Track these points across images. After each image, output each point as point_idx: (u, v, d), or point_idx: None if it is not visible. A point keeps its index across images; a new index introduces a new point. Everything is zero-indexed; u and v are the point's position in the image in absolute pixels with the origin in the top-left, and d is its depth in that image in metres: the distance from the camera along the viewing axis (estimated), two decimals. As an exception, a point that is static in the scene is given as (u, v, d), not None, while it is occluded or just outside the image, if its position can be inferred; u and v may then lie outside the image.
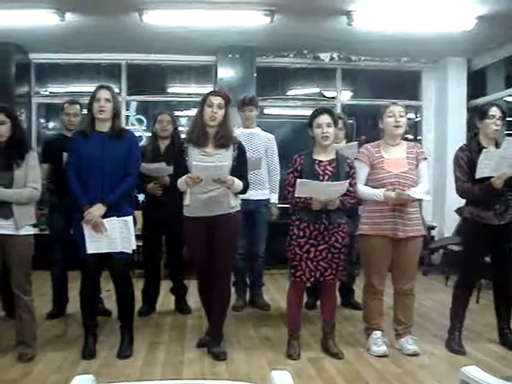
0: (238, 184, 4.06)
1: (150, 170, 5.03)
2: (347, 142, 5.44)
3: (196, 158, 4.02)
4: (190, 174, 3.94)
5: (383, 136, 4.32)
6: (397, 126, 4.21)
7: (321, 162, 4.12)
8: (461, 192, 4.37)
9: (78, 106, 5.11)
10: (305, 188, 3.89)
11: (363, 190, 4.22)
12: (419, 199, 4.24)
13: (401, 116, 4.21)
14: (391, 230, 4.13)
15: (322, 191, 3.92)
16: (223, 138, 4.11)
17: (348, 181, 3.99)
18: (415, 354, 4.20)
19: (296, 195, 3.96)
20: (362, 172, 4.25)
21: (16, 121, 4.07)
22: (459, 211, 4.77)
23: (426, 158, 4.33)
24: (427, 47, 7.57)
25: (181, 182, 4.03)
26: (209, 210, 4.10)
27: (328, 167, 4.10)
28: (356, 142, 5.05)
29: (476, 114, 4.39)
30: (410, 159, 4.23)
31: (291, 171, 4.15)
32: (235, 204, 4.19)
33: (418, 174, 4.23)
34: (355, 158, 4.34)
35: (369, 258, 4.26)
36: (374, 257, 4.20)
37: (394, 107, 4.23)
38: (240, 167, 4.14)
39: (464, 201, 4.46)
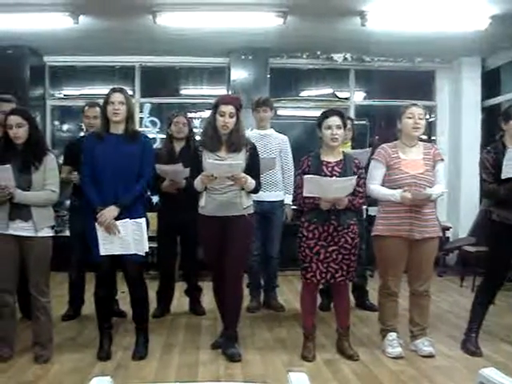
0: (251, 182, 4.09)
1: (167, 171, 5.04)
2: (352, 144, 5.42)
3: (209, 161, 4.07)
4: (204, 172, 4.00)
5: (400, 136, 4.31)
6: (415, 128, 4.19)
7: (328, 163, 4.13)
8: (487, 193, 4.34)
9: (97, 109, 5.11)
10: (312, 185, 3.89)
11: (379, 190, 4.21)
12: (437, 196, 4.21)
13: (420, 118, 4.19)
14: (407, 231, 4.11)
15: (330, 188, 3.91)
16: (235, 144, 4.16)
17: (355, 177, 3.99)
18: (431, 356, 4.18)
19: (304, 194, 3.96)
20: (379, 172, 4.24)
21: (33, 123, 4.08)
22: (487, 213, 4.72)
23: (442, 160, 4.30)
24: (441, 47, 7.53)
25: (197, 181, 4.09)
26: (223, 211, 4.13)
27: (336, 168, 4.11)
28: (368, 149, 5.03)
29: (501, 117, 4.34)
30: (426, 160, 4.20)
31: (300, 173, 4.16)
32: (248, 205, 4.21)
33: (435, 175, 4.20)
34: (372, 158, 4.33)
35: (384, 260, 4.23)
36: (390, 258, 4.18)
37: (415, 109, 4.21)
38: (252, 167, 4.17)
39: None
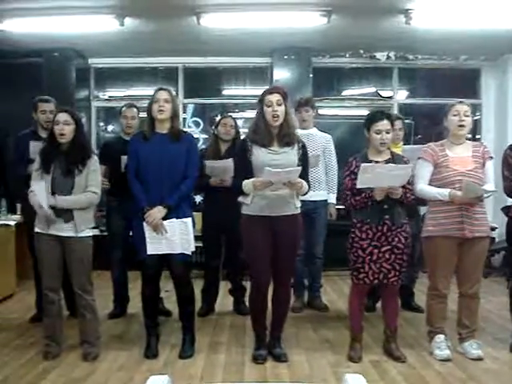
0: (306, 187, 4.01)
1: (216, 167, 5.10)
2: (404, 144, 5.38)
3: (263, 157, 3.96)
4: (260, 179, 3.85)
5: (447, 135, 4.25)
6: (461, 126, 4.13)
7: (377, 162, 4.06)
8: (508, 191, 4.28)
9: (135, 109, 5.21)
10: (367, 175, 3.82)
11: (426, 189, 4.15)
12: (488, 195, 4.11)
13: (466, 116, 4.13)
14: (458, 230, 4.04)
15: (386, 176, 3.84)
16: (287, 137, 4.03)
17: (411, 165, 3.95)
18: (479, 359, 4.11)
19: (358, 186, 3.90)
20: (426, 171, 4.18)
21: (80, 126, 4.14)
22: (505, 210, 4.65)
23: (492, 157, 4.23)
24: (487, 44, 7.39)
25: (248, 186, 3.94)
26: (275, 210, 4.00)
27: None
28: (421, 146, 4.97)
29: None
30: (476, 158, 4.14)
31: (348, 174, 4.11)
32: (299, 205, 4.14)
33: (484, 173, 4.14)
34: (419, 158, 4.27)
35: (434, 261, 4.17)
36: (440, 259, 4.12)
37: (460, 106, 4.15)
38: (304, 167, 4.03)
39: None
